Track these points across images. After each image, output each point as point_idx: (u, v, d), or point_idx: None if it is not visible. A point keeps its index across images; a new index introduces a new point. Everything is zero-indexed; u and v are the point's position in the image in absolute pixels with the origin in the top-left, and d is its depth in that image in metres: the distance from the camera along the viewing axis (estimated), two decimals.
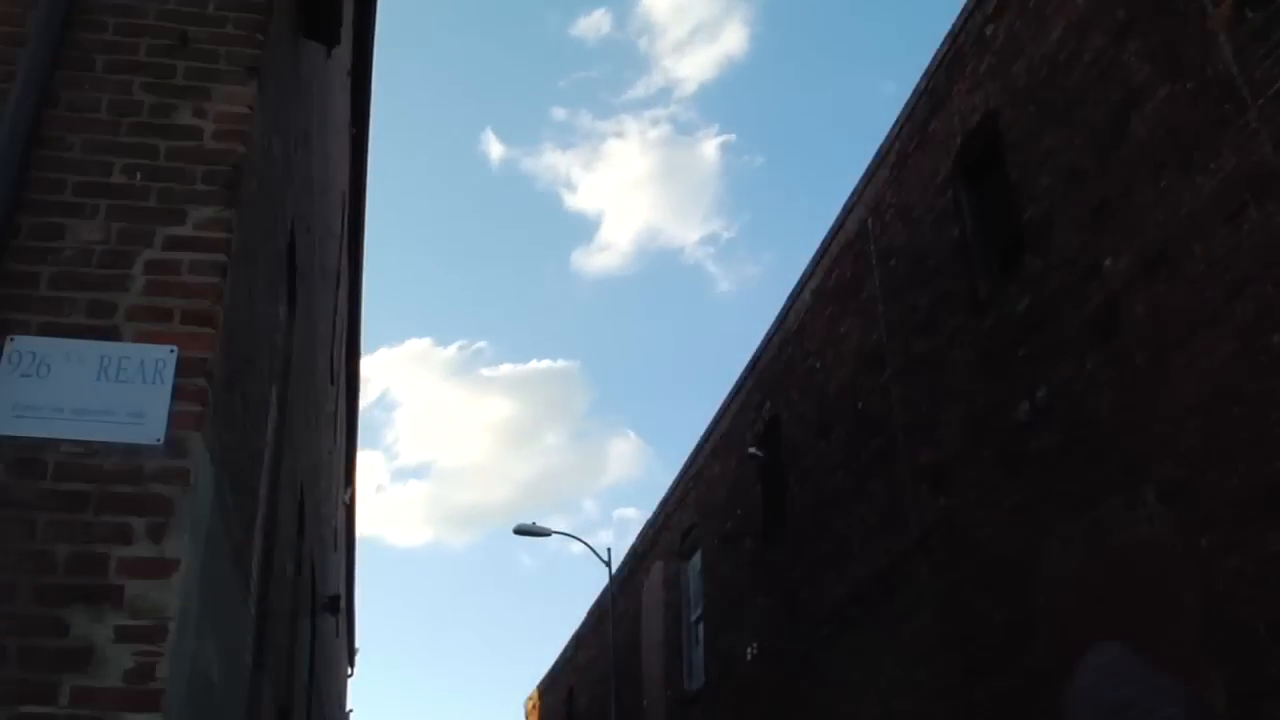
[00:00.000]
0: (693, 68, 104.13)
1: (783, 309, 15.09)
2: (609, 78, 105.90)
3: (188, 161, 4.19)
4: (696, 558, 18.17)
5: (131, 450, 3.67)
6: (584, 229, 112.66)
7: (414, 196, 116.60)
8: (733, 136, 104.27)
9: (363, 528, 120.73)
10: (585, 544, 23.51)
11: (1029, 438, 8.71)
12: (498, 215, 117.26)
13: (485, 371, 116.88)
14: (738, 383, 16.80)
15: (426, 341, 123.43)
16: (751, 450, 15.27)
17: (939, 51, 10.81)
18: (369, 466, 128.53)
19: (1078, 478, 8.02)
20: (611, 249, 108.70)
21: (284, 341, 6.90)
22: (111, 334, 3.85)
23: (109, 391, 3.76)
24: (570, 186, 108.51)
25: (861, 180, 12.77)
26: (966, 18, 10.29)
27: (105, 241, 3.99)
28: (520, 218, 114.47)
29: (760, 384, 15.71)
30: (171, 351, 3.84)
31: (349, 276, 14.29)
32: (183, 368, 3.82)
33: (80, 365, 3.78)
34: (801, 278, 14.50)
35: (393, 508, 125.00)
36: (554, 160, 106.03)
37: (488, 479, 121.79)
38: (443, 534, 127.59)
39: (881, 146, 12.25)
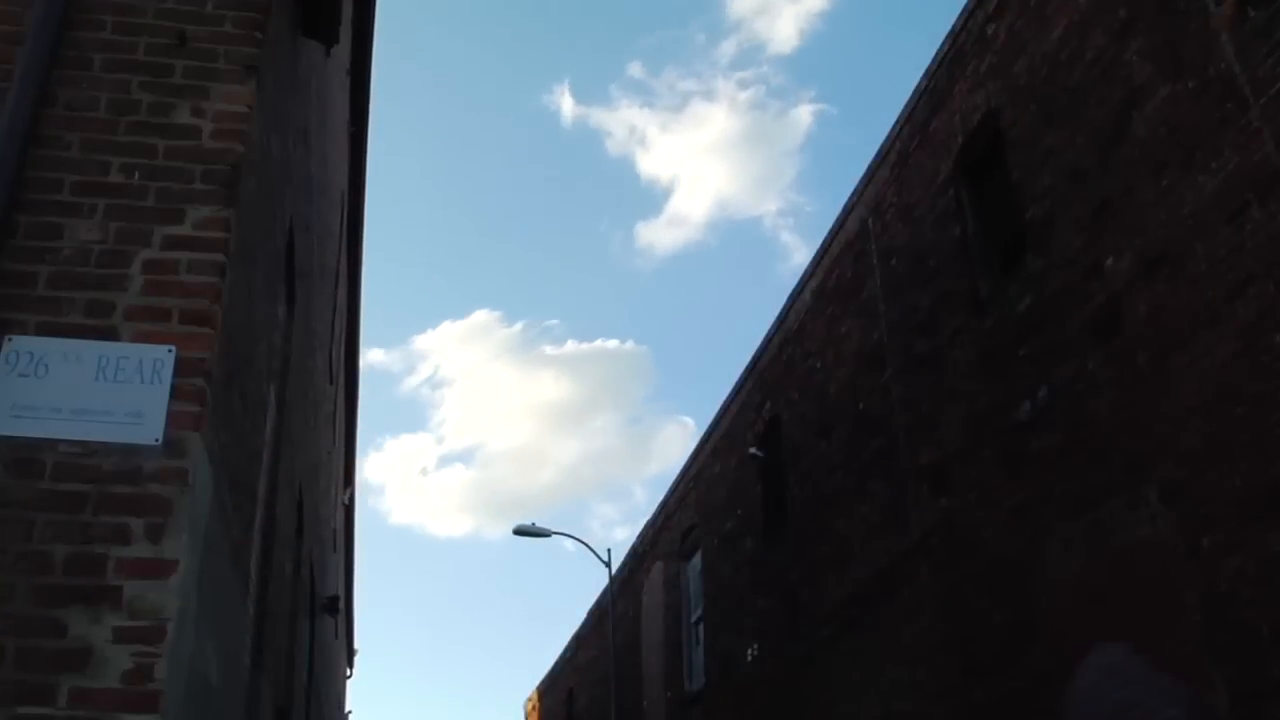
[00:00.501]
0: (786, 28, 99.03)
1: (783, 309, 15.07)
2: (692, 37, 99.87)
3: (186, 161, 4.19)
4: (697, 558, 18.16)
5: (130, 450, 3.66)
6: (656, 196, 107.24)
7: (480, 155, 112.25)
8: (826, 106, 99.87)
9: (401, 516, 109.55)
10: (585, 544, 23.52)
11: (1030, 438, 8.69)
12: (569, 179, 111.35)
13: (548, 349, 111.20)
14: (738, 383, 16.79)
15: (494, 315, 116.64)
16: (752, 450, 15.25)
17: (940, 50, 10.80)
18: (415, 449, 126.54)
19: (1079, 478, 8.00)
20: (685, 219, 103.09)
21: (282, 341, 6.89)
22: (110, 334, 3.84)
23: (107, 391, 3.75)
24: (645, 147, 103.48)
25: (862, 180, 12.76)
26: (967, 16, 10.28)
27: (103, 241, 3.99)
28: (593, 182, 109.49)
29: (761, 384, 15.70)
30: (170, 351, 3.83)
31: (348, 276, 14.27)
32: (181, 368, 3.81)
33: (78, 365, 3.78)
34: (802, 278, 14.49)
35: (434, 494, 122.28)
36: (630, 119, 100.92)
37: (534, 464, 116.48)
38: (482, 524, 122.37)
39: (882, 146, 12.23)
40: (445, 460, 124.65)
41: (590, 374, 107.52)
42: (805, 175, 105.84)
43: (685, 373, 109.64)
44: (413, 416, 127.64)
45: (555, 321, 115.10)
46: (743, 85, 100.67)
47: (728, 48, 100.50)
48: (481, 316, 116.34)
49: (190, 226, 4.07)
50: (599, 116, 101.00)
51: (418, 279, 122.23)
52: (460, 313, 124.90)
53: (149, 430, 3.70)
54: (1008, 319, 9.22)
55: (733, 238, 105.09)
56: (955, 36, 10.49)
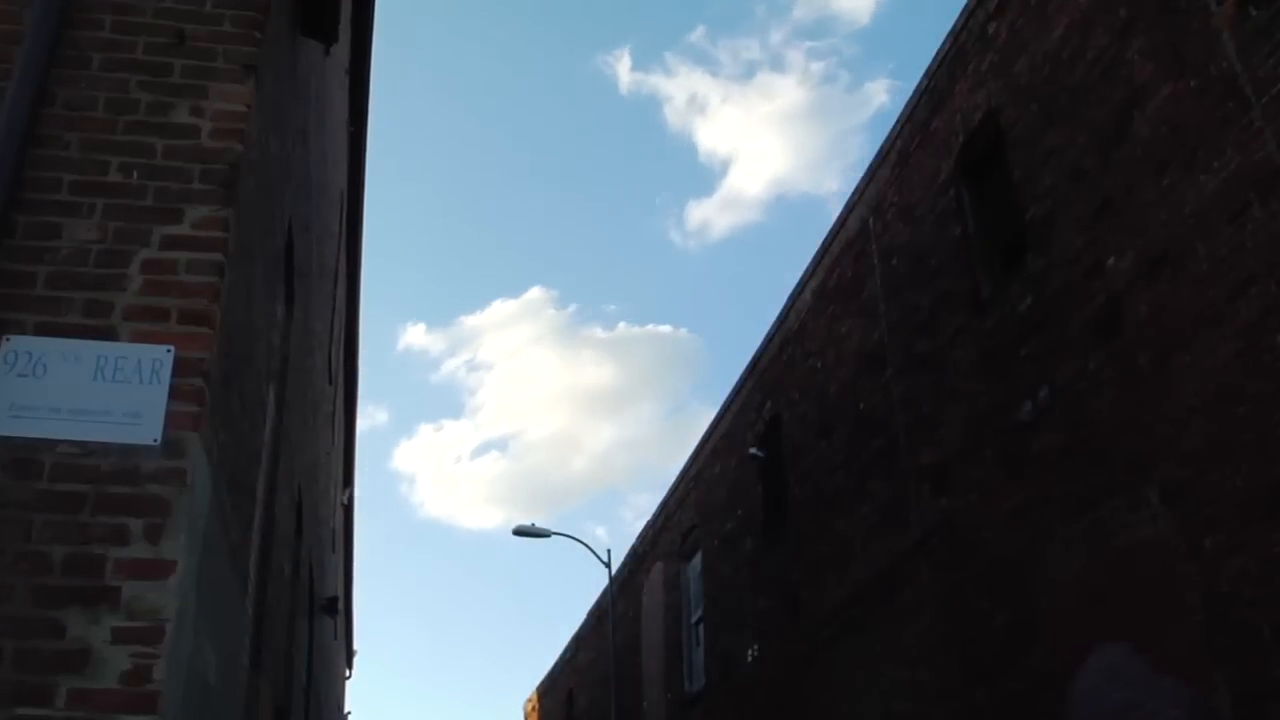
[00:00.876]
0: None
1: (783, 308, 15.06)
2: (758, 4, 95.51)
3: (185, 160, 4.18)
4: (697, 559, 18.14)
5: (128, 451, 3.65)
6: (714, 171, 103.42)
7: (537, 125, 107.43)
8: (900, 83, 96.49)
9: (434, 508, 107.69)
10: (585, 545, 23.49)
11: (1031, 438, 8.68)
12: (625, 151, 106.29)
13: (598, 332, 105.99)
14: (738, 383, 16.78)
15: (549, 294, 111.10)
16: (752, 450, 15.24)
17: (941, 49, 10.78)
18: (450, 437, 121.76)
19: (1080, 478, 7.99)
20: (742, 198, 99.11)
21: (281, 341, 6.88)
22: (108, 334, 3.83)
23: (106, 392, 3.74)
24: (705, 118, 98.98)
25: (863, 179, 12.75)
26: (969, 15, 10.26)
27: (102, 241, 3.98)
28: (650, 155, 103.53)
29: (761, 384, 15.69)
30: (168, 351, 3.82)
31: (347, 275, 14.25)
32: (180, 368, 3.80)
33: (77, 365, 3.76)
34: (802, 277, 14.48)
35: (467, 485, 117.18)
36: (690, 88, 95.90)
37: (569, 452, 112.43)
38: (512, 517, 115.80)
39: (883, 145, 12.22)
40: (481, 449, 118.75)
41: (636, 360, 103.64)
42: (871, 155, 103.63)
43: (735, 363, 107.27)
44: (450, 402, 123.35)
45: (609, 304, 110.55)
46: (813, 56, 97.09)
47: (799, 15, 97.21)
48: (536, 294, 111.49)
49: (189, 226, 4.05)
50: (658, 84, 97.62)
51: (475, 255, 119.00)
52: (515, 290, 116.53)
53: (147, 430, 3.69)
54: (1008, 319, 9.20)
55: (791, 217, 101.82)
56: (956, 35, 10.47)
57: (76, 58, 4.27)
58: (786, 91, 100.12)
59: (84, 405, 3.70)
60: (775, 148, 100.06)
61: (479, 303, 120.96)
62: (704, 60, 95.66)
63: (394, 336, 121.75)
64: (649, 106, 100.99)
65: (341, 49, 9.23)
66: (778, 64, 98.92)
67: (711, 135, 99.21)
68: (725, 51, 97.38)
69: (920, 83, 11.27)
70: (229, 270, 4.13)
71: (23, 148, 3.99)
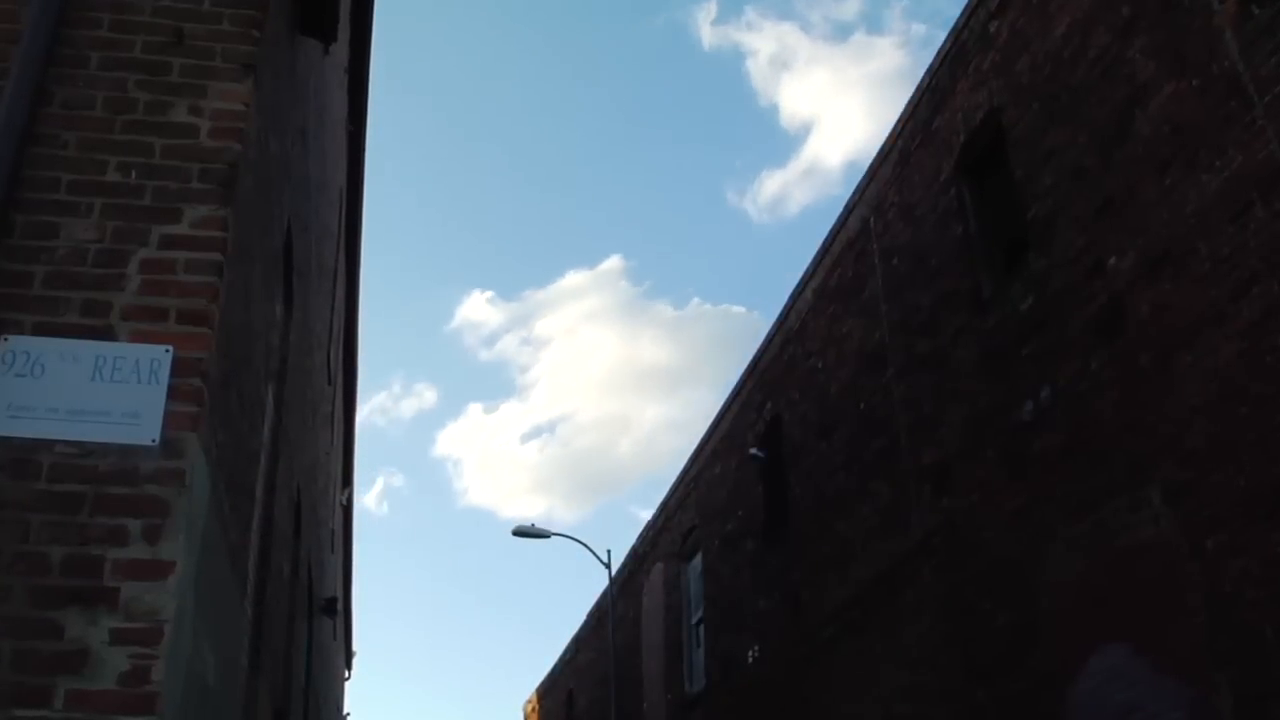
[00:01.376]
0: None
1: (784, 308, 15.04)
2: None
3: (183, 159, 4.17)
4: (697, 559, 18.12)
5: (127, 451, 3.65)
6: (795, 138, 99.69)
7: (615, 77, 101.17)
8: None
9: (476, 496, 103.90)
10: (585, 546, 23.45)
11: (1032, 438, 8.66)
12: (706, 113, 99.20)
13: (667, 309, 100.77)
14: (739, 383, 16.76)
15: (624, 265, 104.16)
16: (753, 451, 15.22)
17: (942, 48, 10.77)
18: (500, 419, 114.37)
19: (1081, 479, 7.97)
20: (821, 167, 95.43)
21: (280, 341, 6.87)
22: (106, 334, 3.82)
23: (104, 392, 3.73)
24: (790, 75, 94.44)
25: (864, 178, 12.73)
26: (970, 14, 10.25)
27: (100, 240, 3.97)
28: (731, 118, 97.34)
29: (761, 384, 15.67)
30: (167, 351, 3.81)
31: (346, 275, 14.23)
32: (178, 368, 3.79)
33: (75, 365, 3.76)
34: (803, 277, 14.46)
35: (512, 471, 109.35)
36: (776, 44, 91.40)
37: (617, 435, 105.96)
38: (556, 506, 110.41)
39: (884, 144, 12.20)
40: (532, 433, 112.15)
41: (697, 341, 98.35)
42: None
43: None
44: (502, 381, 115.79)
45: (683, 279, 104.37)
46: (911, 17, 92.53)
47: None
48: (613, 264, 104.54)
49: (188, 226, 4.05)
50: (741, 38, 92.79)
51: (551, 222, 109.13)
52: (592, 260, 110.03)
53: (146, 431, 3.68)
54: (1010, 318, 9.19)
55: None
56: (958, 34, 10.46)
57: (74, 56, 4.26)
58: (881, 55, 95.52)
59: (82, 405, 3.70)
60: (859, 114, 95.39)
61: (554, 272, 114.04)
62: (791, 16, 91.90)
63: (450, 309, 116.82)
64: (733, 63, 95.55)
65: (341, 47, 9.21)
66: (874, 24, 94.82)
67: (793, 98, 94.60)
68: (817, 8, 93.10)
69: (921, 81, 11.25)
70: (228, 270, 4.12)
71: (21, 147, 3.98)
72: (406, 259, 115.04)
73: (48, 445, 3.61)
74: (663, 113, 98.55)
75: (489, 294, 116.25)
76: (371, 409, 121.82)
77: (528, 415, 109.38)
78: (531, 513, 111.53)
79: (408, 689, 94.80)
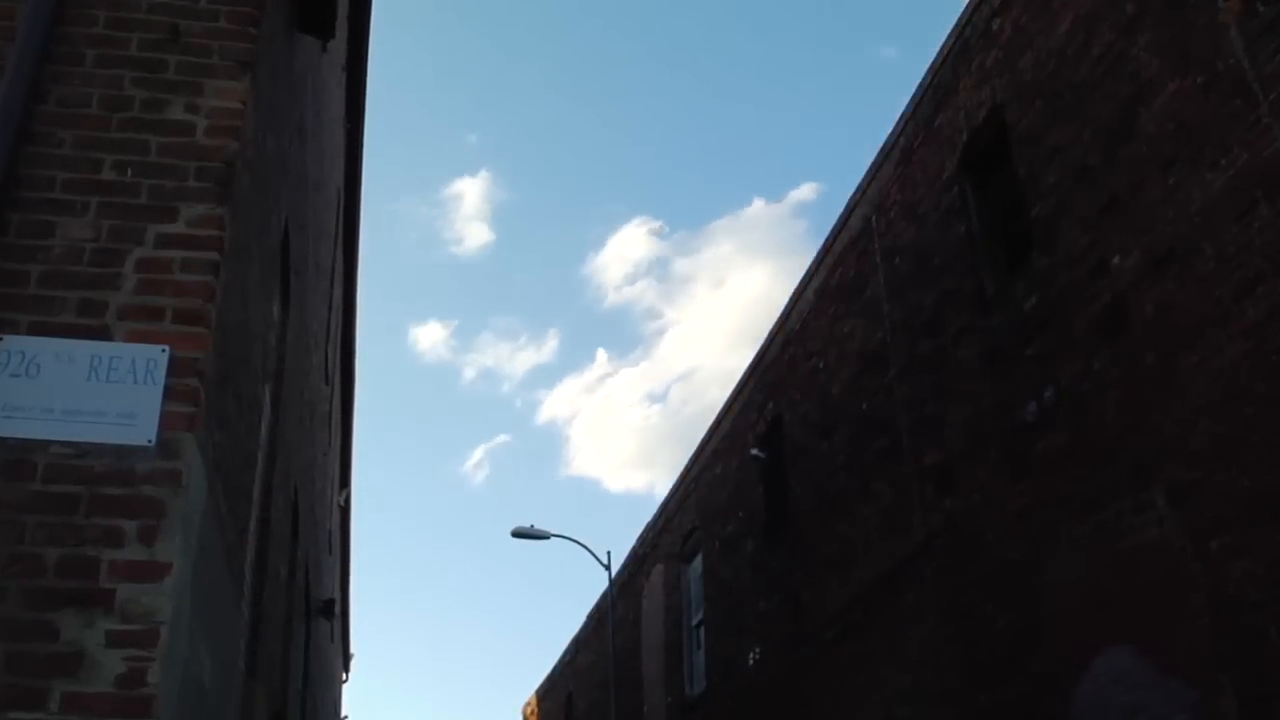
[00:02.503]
0: None
1: (785, 308, 15.01)
2: None
3: (180, 158, 4.16)
4: (698, 561, 18.09)
5: (123, 451, 3.64)
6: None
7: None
8: None
9: (583, 465, 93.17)
10: (584, 547, 23.41)
11: (1036, 438, 8.63)
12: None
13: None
14: (740, 382, 16.73)
15: (819, 190, 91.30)
16: (753, 451, 15.18)
17: (945, 45, 10.73)
18: (623, 377, 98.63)
19: (1085, 479, 7.94)
20: None
21: (278, 341, 6.84)
22: (102, 333, 3.81)
23: (100, 392, 3.73)
24: None
25: (866, 177, 12.69)
26: (973, 11, 10.21)
27: (96, 239, 3.97)
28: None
29: (763, 384, 15.64)
30: (163, 351, 3.80)
31: (344, 274, 14.20)
32: (175, 368, 3.79)
33: (71, 365, 3.75)
34: (804, 276, 14.42)
35: (623, 437, 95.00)
36: None
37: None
38: (658, 482, 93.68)
39: (886, 142, 12.17)
40: (650, 395, 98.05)
41: None
42: None
43: None
44: (628, 331, 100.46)
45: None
46: None
47: None
48: (804, 193, 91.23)
49: (184, 224, 4.04)
50: None
51: (739, 147, 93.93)
52: (779, 191, 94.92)
53: (142, 431, 3.68)
54: (1013, 318, 9.15)
55: None
56: (960, 31, 10.42)
57: (70, 54, 4.26)
58: None
59: (78, 406, 3.69)
60: None
61: (739, 201, 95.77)
62: None
63: (596, 246, 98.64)
64: None
65: (338, 45, 9.19)
66: None
67: None
68: None
69: (924, 79, 11.21)
70: (225, 269, 4.11)
71: (16, 145, 3.97)
72: (555, 187, 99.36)
73: (43, 446, 3.60)
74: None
75: (657, 224, 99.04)
76: (480, 366, 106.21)
77: (650, 372, 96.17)
78: (636, 485, 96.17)
79: (406, 690, 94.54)
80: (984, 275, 9.87)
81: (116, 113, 4.18)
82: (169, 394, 3.73)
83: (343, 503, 19.12)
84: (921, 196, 11.12)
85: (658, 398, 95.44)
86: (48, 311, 3.80)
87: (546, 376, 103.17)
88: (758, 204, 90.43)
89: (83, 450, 3.61)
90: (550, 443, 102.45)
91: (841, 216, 13.31)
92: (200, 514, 3.92)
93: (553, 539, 23.43)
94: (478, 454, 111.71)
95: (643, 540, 22.27)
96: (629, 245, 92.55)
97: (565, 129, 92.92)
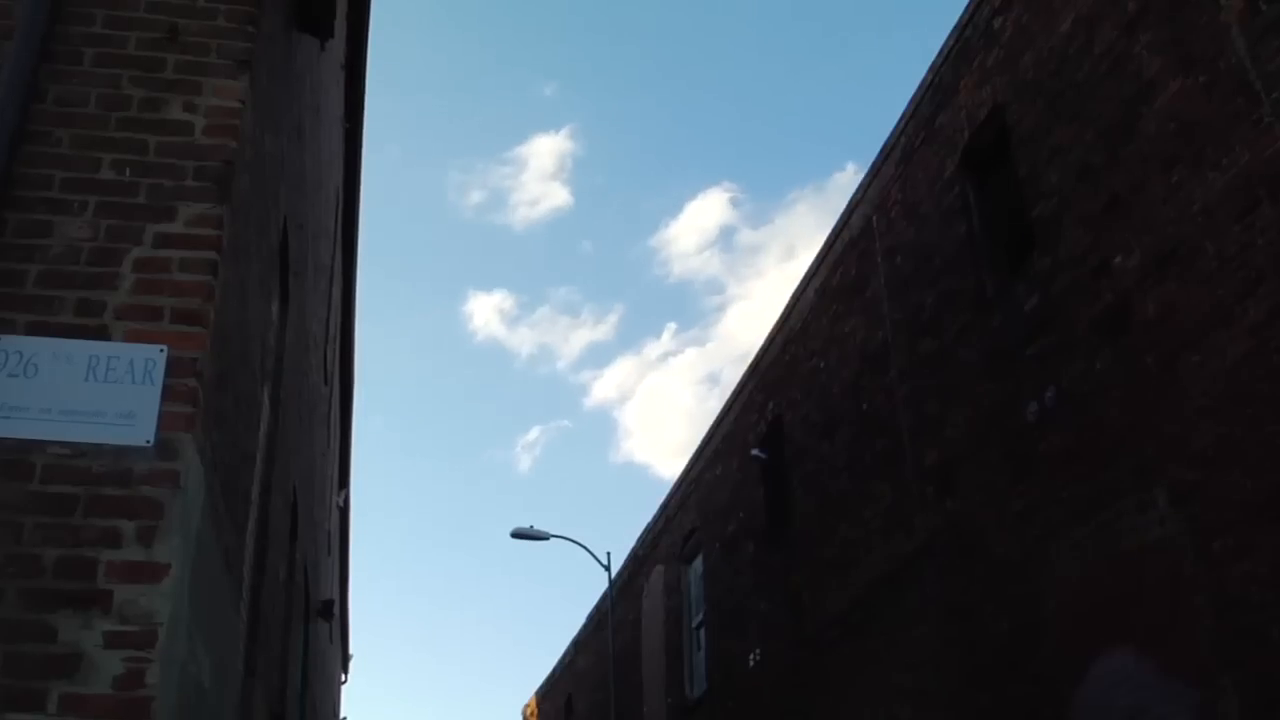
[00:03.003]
0: None
1: (786, 307, 14.99)
2: None
3: (178, 157, 4.16)
4: (698, 562, 18.06)
5: (121, 452, 3.63)
6: None
7: None
8: None
9: (634, 450, 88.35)
10: (584, 548, 23.39)
11: (1037, 439, 8.61)
12: None
13: None
14: (740, 383, 16.71)
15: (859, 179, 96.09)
16: (754, 452, 15.16)
17: (946, 44, 10.71)
18: (687, 363, 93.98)
19: (1087, 480, 7.92)
20: None
21: (276, 341, 6.82)
22: (100, 333, 3.80)
23: (98, 392, 3.72)
24: None
25: (866, 176, 12.67)
26: (974, 10, 10.19)
27: (94, 239, 3.96)
28: None
29: (763, 384, 15.61)
30: (161, 351, 3.80)
31: (343, 273, 14.18)
32: (173, 368, 3.78)
33: (68, 365, 3.74)
34: (805, 276, 14.40)
35: (678, 420, 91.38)
36: None
37: None
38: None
39: (887, 141, 12.15)
40: (710, 379, 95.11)
41: None
42: None
43: None
44: (690, 312, 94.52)
45: None
46: None
47: None
48: (841, 178, 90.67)
49: (182, 224, 4.03)
50: None
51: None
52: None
53: (140, 431, 3.67)
54: (1014, 318, 9.13)
55: None
56: (961, 30, 10.41)
57: (68, 53, 4.25)
58: None
59: (76, 406, 3.68)
60: None
61: (824, 170, 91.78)
62: None
63: (674, 212, 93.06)
64: None
65: (337, 43, 9.17)
66: None
67: None
68: None
69: (925, 78, 11.19)
70: (223, 269, 4.10)
71: (13, 144, 3.96)
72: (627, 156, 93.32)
73: (40, 446, 3.59)
74: None
75: (728, 193, 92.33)
76: (536, 343, 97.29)
77: (713, 352, 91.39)
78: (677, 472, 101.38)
79: (405, 692, 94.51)
80: (985, 275, 9.85)
81: (115, 112, 4.17)
82: (167, 394, 3.71)
83: (342, 503, 19.09)
84: (923, 196, 11.11)
85: (716, 379, 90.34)
86: (46, 311, 3.79)
87: (603, 355, 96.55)
88: (843, 172, 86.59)
89: (81, 451, 3.60)
90: (601, 426, 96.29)
91: (842, 216, 13.30)
92: (198, 515, 3.91)
93: (552, 539, 23.42)
94: (533, 434, 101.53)
95: (643, 541, 22.25)
96: (705, 213, 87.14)
97: (652, 84, 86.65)
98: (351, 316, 15.74)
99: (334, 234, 12.20)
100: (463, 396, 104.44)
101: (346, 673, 27.09)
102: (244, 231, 4.65)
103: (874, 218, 12.31)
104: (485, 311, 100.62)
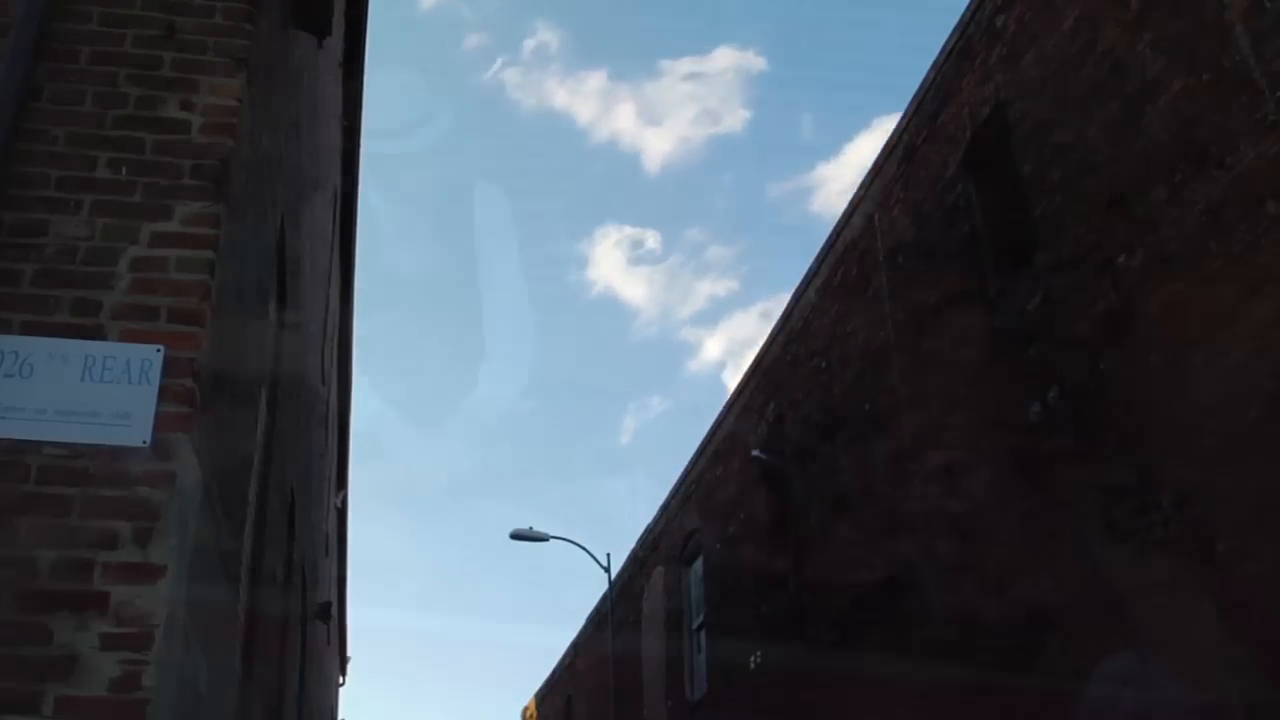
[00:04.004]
0: None
1: (787, 307, 14.96)
2: None
3: (175, 155, 4.13)
4: (698, 563, 18.03)
5: (117, 452, 3.60)
6: None
7: None
8: None
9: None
10: (584, 549, 23.35)
11: (1040, 439, 8.58)
12: None
13: None
14: (741, 383, 16.68)
15: None
16: (755, 452, 15.12)
17: (948, 42, 10.69)
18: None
19: (1090, 480, 7.89)
20: None
21: (273, 341, 6.78)
22: (96, 333, 3.78)
23: (94, 392, 3.69)
24: None
25: (868, 175, 12.65)
26: (976, 8, 10.18)
27: (90, 238, 3.93)
28: None
29: (765, 384, 15.58)
30: (158, 351, 3.77)
31: (341, 273, 14.14)
32: (169, 368, 3.75)
33: (64, 365, 3.72)
34: (806, 275, 14.37)
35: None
36: None
37: None
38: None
39: (888, 140, 12.12)
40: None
41: None
42: None
43: None
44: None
45: None
46: None
47: None
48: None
49: (179, 223, 4.00)
50: None
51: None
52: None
53: (137, 432, 3.64)
54: (1017, 317, 9.10)
55: None
56: (964, 28, 10.39)
57: (64, 51, 4.22)
58: None
59: (72, 406, 3.65)
60: None
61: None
62: None
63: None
64: None
65: (335, 41, 9.13)
66: None
67: None
68: None
69: (927, 76, 11.16)
70: (220, 268, 4.07)
71: (9, 143, 3.93)
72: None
73: (36, 447, 3.57)
74: None
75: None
76: (659, 303, 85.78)
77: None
78: None
79: (403, 693, 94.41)
80: (988, 274, 9.83)
81: (111, 110, 4.14)
82: (164, 394, 3.69)
83: (339, 505, 19.05)
84: (924, 194, 11.08)
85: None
86: (41, 311, 3.76)
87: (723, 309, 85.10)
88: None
89: (77, 451, 3.57)
90: (710, 394, 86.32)
91: (844, 214, 13.27)
92: (195, 516, 3.88)
93: (551, 541, 23.37)
94: (654, 401, 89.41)
95: (643, 542, 22.21)
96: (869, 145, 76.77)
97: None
98: (350, 317, 15.70)
99: (332, 233, 12.17)
100: (583, 360, 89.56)
101: (344, 675, 27.06)
102: (241, 230, 4.63)
103: (876, 216, 12.28)
104: (607, 257, 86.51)
